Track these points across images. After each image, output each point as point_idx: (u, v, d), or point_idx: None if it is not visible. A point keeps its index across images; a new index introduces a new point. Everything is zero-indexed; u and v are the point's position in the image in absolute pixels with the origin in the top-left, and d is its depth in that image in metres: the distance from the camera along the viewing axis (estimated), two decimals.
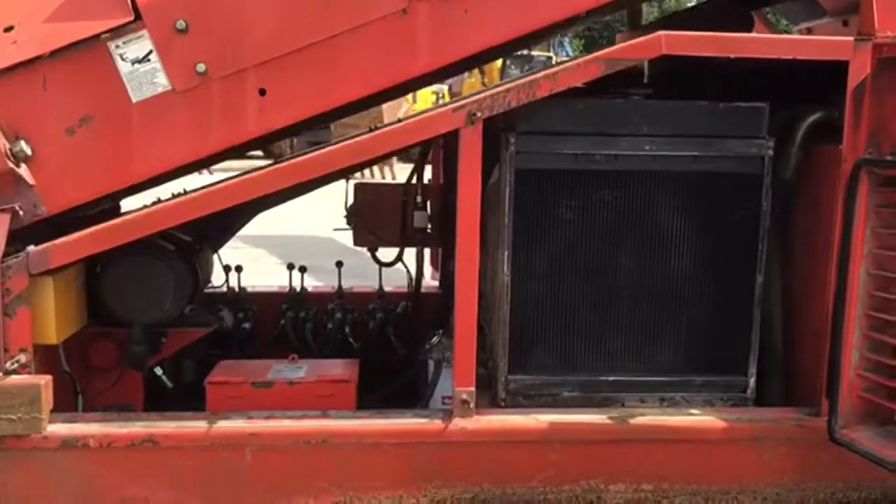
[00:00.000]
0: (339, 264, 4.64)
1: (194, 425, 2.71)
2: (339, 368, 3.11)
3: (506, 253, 2.89)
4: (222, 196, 2.72)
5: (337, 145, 2.80)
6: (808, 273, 3.02)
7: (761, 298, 2.99)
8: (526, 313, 2.94)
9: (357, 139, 2.77)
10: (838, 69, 2.71)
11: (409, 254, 4.44)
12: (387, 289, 4.71)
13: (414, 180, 4.27)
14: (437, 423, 2.77)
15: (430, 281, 4.67)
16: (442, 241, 4.31)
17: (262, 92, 2.75)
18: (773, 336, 3.09)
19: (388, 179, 14.18)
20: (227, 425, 2.72)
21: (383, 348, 4.41)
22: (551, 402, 2.98)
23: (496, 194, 2.95)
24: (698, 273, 2.96)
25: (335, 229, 4.57)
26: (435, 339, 3.32)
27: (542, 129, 2.85)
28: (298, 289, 4.60)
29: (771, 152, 2.89)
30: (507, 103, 2.66)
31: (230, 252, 4.31)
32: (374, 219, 4.38)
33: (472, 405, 2.77)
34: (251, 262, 4.84)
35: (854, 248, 2.66)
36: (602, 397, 3.00)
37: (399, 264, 4.50)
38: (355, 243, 4.41)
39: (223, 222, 3.85)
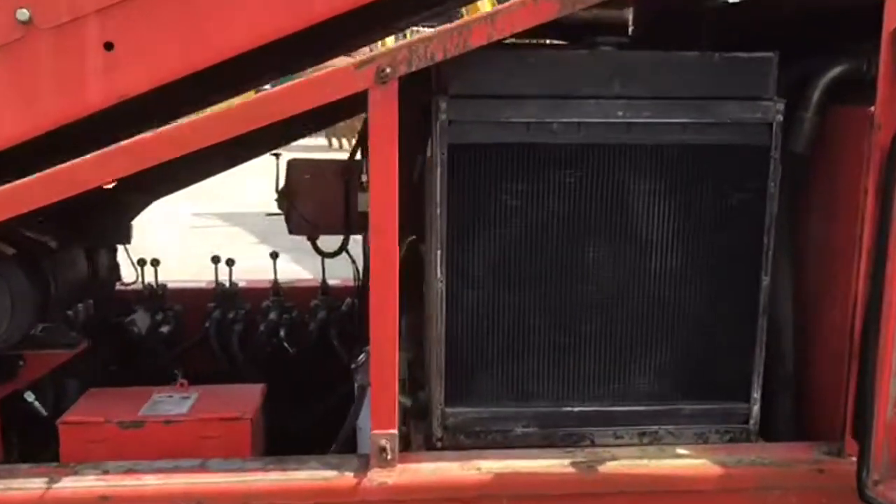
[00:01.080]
0: (274, 255, 3.99)
1: (25, 486, 2.06)
2: (234, 400, 2.46)
3: (438, 253, 2.24)
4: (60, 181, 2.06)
5: (210, 113, 2.13)
6: (826, 274, 2.37)
7: (768, 305, 2.33)
8: (466, 329, 2.29)
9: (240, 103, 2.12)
10: (867, 10, 2.04)
11: (356, 242, 3.77)
12: (333, 282, 4.07)
13: (358, 155, 3.60)
14: (348, 478, 2.13)
15: None
16: None
17: (109, 46, 2.08)
18: (783, 351, 2.44)
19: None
20: (70, 485, 2.08)
21: (325, 354, 3.78)
22: (501, 441, 2.34)
23: (430, 175, 2.30)
24: (687, 274, 2.30)
25: (268, 214, 3.90)
26: (362, 357, 2.67)
27: (483, 92, 2.18)
28: (228, 284, 3.96)
29: (781, 117, 2.23)
30: (430, 56, 2.00)
31: (203, 232, 3.66)
32: (311, 202, 3.71)
33: (389, 454, 2.13)
34: (225, 241, 4.22)
35: (892, 242, 2.00)
36: (565, 433, 2.36)
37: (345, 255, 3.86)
38: (290, 231, 3.75)
39: (113, 211, 3.20)
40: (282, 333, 3.77)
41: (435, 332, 2.28)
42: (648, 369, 2.35)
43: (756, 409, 2.38)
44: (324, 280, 3.99)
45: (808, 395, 2.46)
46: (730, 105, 2.22)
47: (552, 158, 2.22)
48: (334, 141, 17.79)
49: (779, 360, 2.46)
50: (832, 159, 2.36)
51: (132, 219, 3.30)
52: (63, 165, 2.04)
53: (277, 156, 3.66)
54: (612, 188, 2.24)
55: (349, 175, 3.60)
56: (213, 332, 3.71)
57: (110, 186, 2.93)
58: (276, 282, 3.97)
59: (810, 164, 2.41)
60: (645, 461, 2.23)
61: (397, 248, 2.09)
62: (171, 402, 2.44)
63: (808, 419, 2.46)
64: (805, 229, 2.46)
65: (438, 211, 2.21)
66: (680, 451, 2.29)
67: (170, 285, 4.00)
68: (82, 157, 2.04)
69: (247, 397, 2.49)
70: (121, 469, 2.16)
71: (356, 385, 2.59)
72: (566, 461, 2.23)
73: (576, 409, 2.35)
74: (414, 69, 1.99)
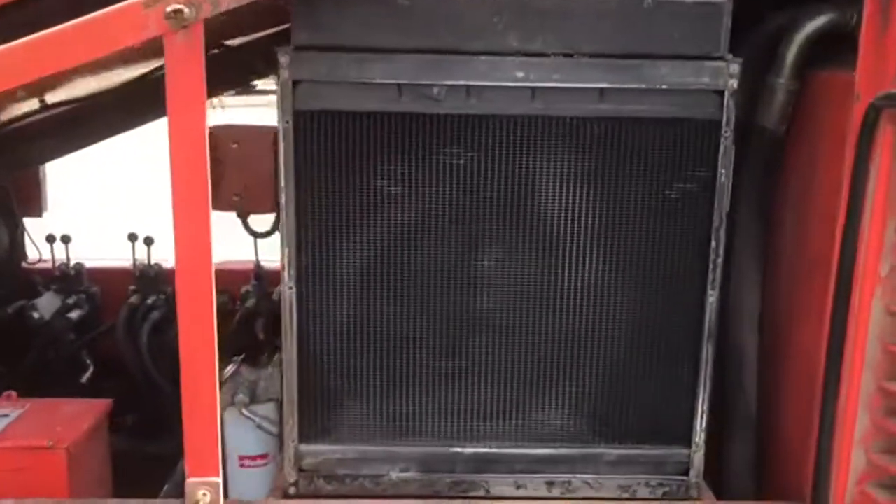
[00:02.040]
0: None
1: None
2: (60, 421, 2.01)
3: (286, 252, 1.75)
4: None
5: None
6: (801, 288, 1.83)
7: (719, 327, 1.81)
8: (328, 347, 1.81)
9: None
10: None
11: None
12: (270, 266, 3.60)
13: None
14: None
15: None
16: None
17: None
18: (743, 384, 1.93)
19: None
20: None
21: (248, 347, 3.32)
22: (371, 489, 1.86)
23: None
24: (611, 286, 1.79)
25: None
26: (230, 369, 2.21)
27: (340, 43, 1.67)
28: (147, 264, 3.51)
29: (735, 82, 1.68)
30: None
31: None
32: (238, 174, 3.22)
33: None
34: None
35: (862, 256, 1.47)
36: (453, 481, 1.87)
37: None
38: (214, 207, 3.26)
39: None
40: None
41: (286, 352, 1.80)
42: (560, 403, 1.85)
43: (699, 456, 1.86)
44: (257, 262, 3.52)
45: (773, 441, 1.94)
46: (666, 66, 1.68)
47: (435, 133, 1.71)
48: None
49: (737, 394, 1.95)
50: (812, 139, 1.82)
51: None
52: None
53: None
54: (513, 173, 1.73)
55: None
56: (121, 320, 3.26)
57: None
58: None
59: (784, 145, 1.87)
60: None
61: (210, 238, 1.61)
62: None
63: (771, 471, 1.94)
64: (779, 231, 1.92)
65: (284, 198, 1.73)
66: None
67: (88, 265, 3.57)
68: None
69: (78, 418, 2.03)
70: None
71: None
72: None
73: (467, 450, 1.86)
74: (224, 9, 1.49)
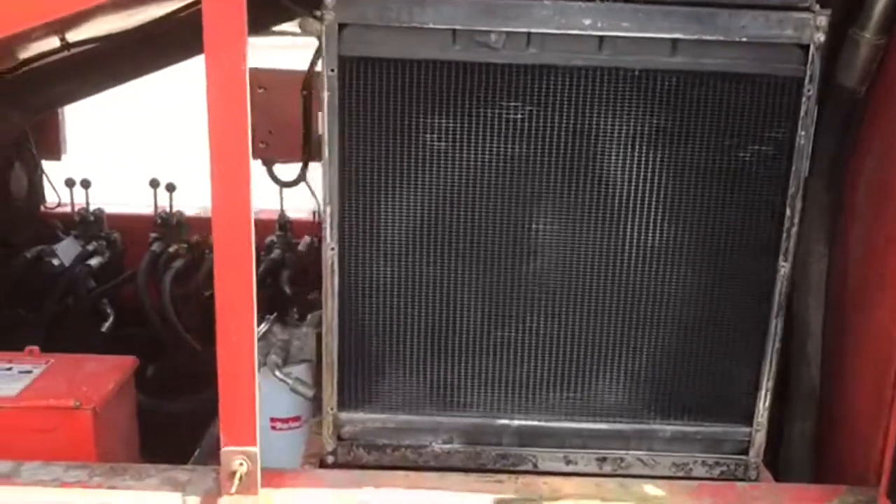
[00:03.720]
0: None
1: None
2: (85, 379, 1.92)
3: (328, 210, 1.63)
4: None
5: None
6: (876, 264, 1.71)
7: (785, 301, 1.69)
8: (372, 312, 1.70)
9: None
10: None
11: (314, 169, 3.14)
12: (295, 216, 3.48)
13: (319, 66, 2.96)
14: None
15: None
16: None
17: None
18: (808, 361, 1.81)
19: None
20: None
21: (272, 302, 3.22)
22: (413, 460, 1.77)
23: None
24: (676, 254, 1.67)
25: None
26: (262, 328, 2.11)
27: None
28: (169, 211, 3.40)
29: (821, 36, 1.54)
30: None
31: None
32: (264, 121, 3.09)
33: (243, 477, 1.57)
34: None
35: None
36: (499, 454, 1.77)
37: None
38: None
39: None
40: None
41: (326, 316, 1.69)
42: (615, 376, 1.74)
43: (761, 435, 1.76)
44: (282, 213, 3.41)
45: (836, 420, 1.83)
46: (747, 16, 1.53)
47: (490, 85, 1.58)
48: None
49: (800, 368, 1.83)
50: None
51: (12, 133, 2.72)
52: None
53: None
54: (574, 130, 1.60)
55: (309, 89, 2.96)
56: (143, 268, 3.16)
57: None
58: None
59: (865, 107, 1.73)
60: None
61: (249, 187, 1.49)
62: (5, 378, 1.91)
63: (833, 451, 1.84)
64: (852, 201, 1.79)
65: (327, 152, 1.60)
66: (650, 489, 1.69)
67: (108, 210, 3.47)
68: None
69: (104, 376, 1.94)
70: None
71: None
72: (492, 497, 1.64)
73: (515, 422, 1.76)
74: None
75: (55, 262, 3.12)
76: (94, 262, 3.23)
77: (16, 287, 3.00)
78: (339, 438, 1.77)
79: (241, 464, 1.58)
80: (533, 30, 1.54)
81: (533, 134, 1.60)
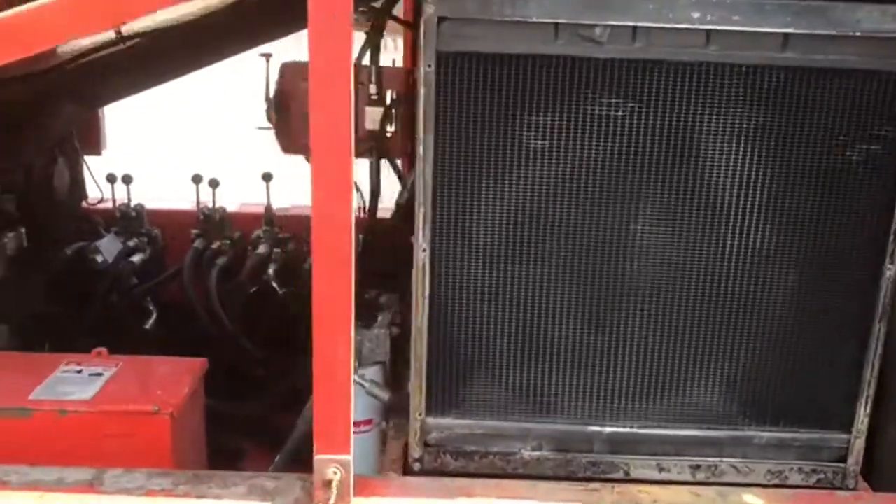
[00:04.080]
0: (267, 177, 3.35)
1: None
2: (158, 382, 1.87)
3: (421, 210, 1.58)
4: None
5: None
6: None
7: (889, 304, 1.64)
8: (462, 315, 1.65)
9: None
10: None
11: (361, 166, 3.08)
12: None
13: (366, 59, 2.90)
14: None
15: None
16: (410, 148, 2.94)
17: None
18: None
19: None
20: None
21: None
22: (501, 467, 1.72)
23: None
24: (778, 256, 1.62)
25: (259, 128, 3.24)
26: None
27: None
28: (211, 207, 3.34)
29: None
30: None
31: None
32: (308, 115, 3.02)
33: (335, 492, 1.52)
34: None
35: None
36: (590, 462, 1.72)
37: None
38: (283, 150, 3.08)
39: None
40: (271, 271, 3.16)
41: (416, 319, 1.64)
42: (711, 382, 1.69)
43: (860, 443, 1.71)
44: None
45: None
46: (862, 10, 1.48)
47: (592, 80, 1.52)
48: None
49: None
50: None
51: (70, 126, 2.67)
52: None
53: (268, 57, 2.98)
54: (677, 127, 1.55)
55: (355, 84, 2.89)
56: (188, 266, 3.11)
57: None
58: (268, 208, 3.34)
59: None
60: None
61: (351, 186, 1.43)
62: (76, 381, 1.86)
63: None
64: None
65: (422, 150, 1.54)
66: (749, 498, 1.64)
67: (148, 205, 3.42)
68: None
69: (176, 379, 1.89)
70: None
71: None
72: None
73: (606, 429, 1.71)
74: None
75: (99, 258, 3.07)
76: (135, 258, 3.19)
77: (56, 284, 2.95)
78: (426, 445, 1.72)
79: (336, 472, 1.53)
80: (639, 23, 1.48)
81: (634, 132, 1.55)
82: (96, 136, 3.27)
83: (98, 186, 3.19)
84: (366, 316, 2.21)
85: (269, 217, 3.33)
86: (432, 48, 1.49)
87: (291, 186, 3.39)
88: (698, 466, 1.73)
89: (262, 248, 3.24)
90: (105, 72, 2.36)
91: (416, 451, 1.71)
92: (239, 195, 3.62)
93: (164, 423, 1.77)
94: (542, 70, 1.51)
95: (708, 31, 1.49)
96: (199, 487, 1.61)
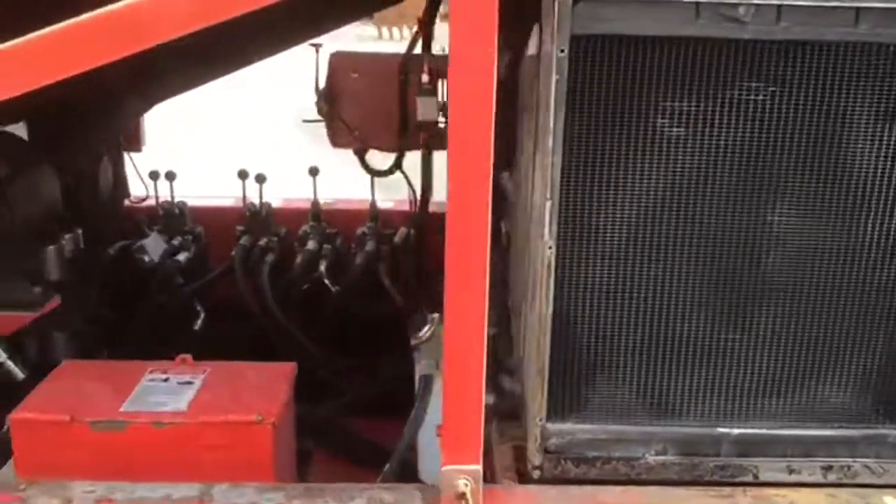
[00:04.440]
0: (314, 171, 3.25)
1: None
2: (252, 389, 1.77)
3: (548, 205, 1.48)
4: None
5: None
6: None
7: None
8: (586, 314, 1.56)
9: None
10: None
11: (413, 158, 2.99)
12: (385, 206, 3.33)
13: (419, 48, 2.80)
14: None
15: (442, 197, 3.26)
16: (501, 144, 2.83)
17: None
18: None
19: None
20: None
21: (373, 296, 3.07)
22: (624, 473, 1.64)
23: (534, 83, 1.52)
24: None
25: (305, 121, 3.14)
26: (426, 331, 1.96)
27: None
28: (258, 204, 3.24)
29: None
30: None
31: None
32: (358, 107, 2.92)
33: (469, 498, 1.43)
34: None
35: None
36: (717, 466, 1.64)
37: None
38: (333, 143, 2.98)
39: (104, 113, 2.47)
40: (322, 268, 3.07)
41: (538, 319, 1.55)
42: (844, 379, 1.61)
43: None
44: (373, 203, 3.26)
45: None
46: None
47: (732, 63, 1.43)
48: (384, 30, 15.86)
49: None
50: None
51: (130, 120, 2.56)
52: None
53: (318, 47, 2.88)
54: (821, 112, 1.46)
55: (406, 74, 2.79)
56: (238, 263, 3.01)
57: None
58: (315, 203, 3.24)
59: None
60: None
61: (489, 184, 1.35)
62: (166, 391, 1.76)
63: None
64: None
65: (551, 141, 1.45)
66: (889, 500, 1.57)
67: (190, 202, 3.31)
68: None
69: (271, 386, 1.80)
70: (89, 497, 1.50)
71: (417, 374, 1.88)
72: None
73: (734, 430, 1.63)
74: None
75: (146, 258, 2.97)
76: (181, 257, 3.09)
77: (106, 287, 2.85)
78: (546, 451, 1.63)
79: (466, 483, 1.45)
80: (785, 1, 1.39)
81: (773, 117, 1.46)
82: (136, 133, 3.16)
83: (143, 183, 3.09)
84: None
85: (315, 212, 3.24)
86: (566, 32, 1.40)
87: (327, 182, 3.31)
88: (830, 467, 1.65)
89: (310, 245, 3.14)
90: (167, 64, 2.26)
91: (535, 458, 1.62)
92: (277, 190, 3.52)
93: (266, 432, 1.67)
94: (680, 52, 1.42)
95: (857, 9, 1.40)
96: (315, 502, 1.52)
